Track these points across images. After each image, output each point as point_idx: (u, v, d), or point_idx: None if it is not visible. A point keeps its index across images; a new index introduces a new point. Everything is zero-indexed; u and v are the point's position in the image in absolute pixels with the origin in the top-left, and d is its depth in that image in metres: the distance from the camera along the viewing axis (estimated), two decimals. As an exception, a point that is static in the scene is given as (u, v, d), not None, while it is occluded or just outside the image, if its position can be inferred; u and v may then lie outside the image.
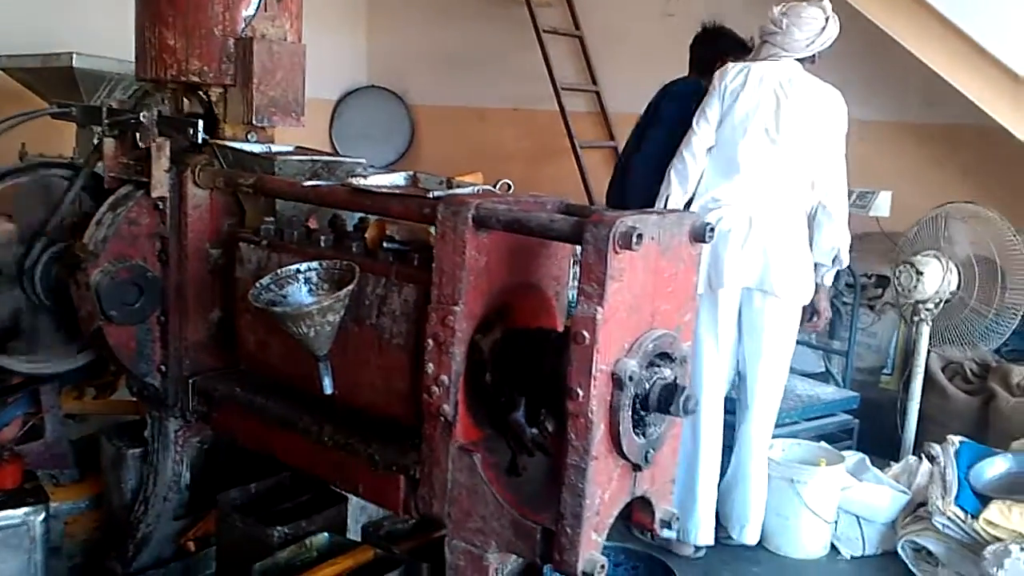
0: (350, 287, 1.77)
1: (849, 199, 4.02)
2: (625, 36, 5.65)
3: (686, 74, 3.83)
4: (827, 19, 3.15)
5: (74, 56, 3.56)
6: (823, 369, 4.53)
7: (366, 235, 2.01)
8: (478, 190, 1.90)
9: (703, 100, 3.25)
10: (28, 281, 2.29)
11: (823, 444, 3.59)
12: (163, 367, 2.27)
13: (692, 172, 3.20)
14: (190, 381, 2.24)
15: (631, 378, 1.48)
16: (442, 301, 1.67)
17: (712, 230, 1.66)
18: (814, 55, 3.22)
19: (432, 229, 1.74)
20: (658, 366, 1.56)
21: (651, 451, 1.55)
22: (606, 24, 5.74)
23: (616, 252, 1.44)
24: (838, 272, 3.45)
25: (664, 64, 5.13)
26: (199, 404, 2.25)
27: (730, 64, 3.26)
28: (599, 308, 1.43)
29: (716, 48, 3.71)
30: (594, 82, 5.81)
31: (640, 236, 1.44)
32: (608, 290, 1.44)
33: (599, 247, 1.44)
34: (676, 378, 1.58)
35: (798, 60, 3.20)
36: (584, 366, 1.44)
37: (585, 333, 1.44)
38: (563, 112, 5.45)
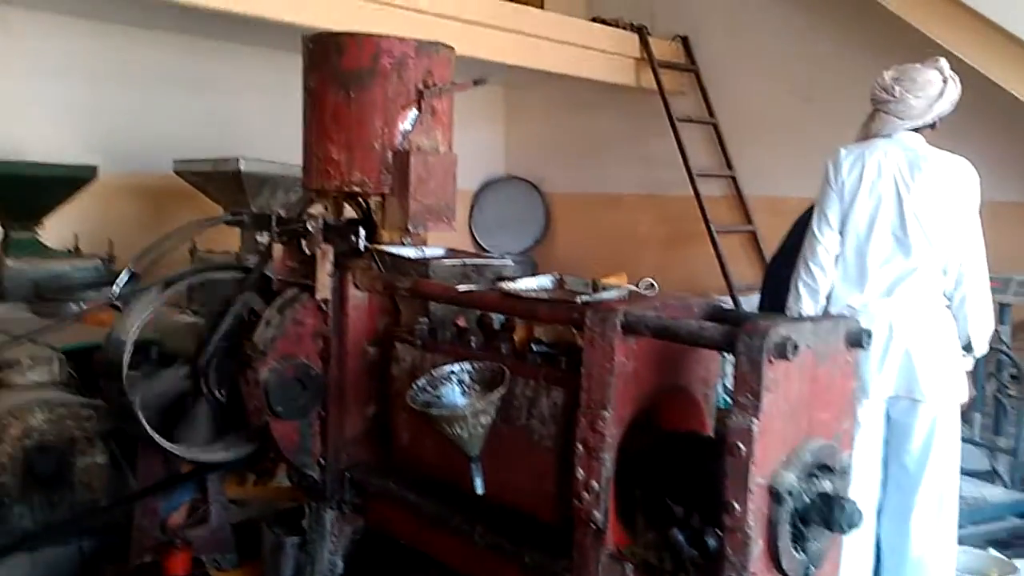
0: (501, 390, 1.83)
1: (1008, 288, 3.78)
2: (761, 120, 5.64)
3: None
4: (945, 80, 2.83)
5: (240, 161, 3.88)
6: (988, 468, 4.22)
7: (514, 336, 2.08)
8: (624, 293, 1.94)
9: (820, 194, 2.99)
10: (202, 374, 2.46)
11: (992, 552, 3.33)
12: (322, 459, 2.38)
13: (822, 284, 2.97)
14: (347, 474, 2.34)
15: (790, 492, 1.45)
16: (591, 406, 1.70)
17: (870, 336, 1.63)
18: (934, 121, 2.89)
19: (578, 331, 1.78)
20: (818, 478, 1.52)
21: (812, 568, 1.51)
22: (740, 109, 5.75)
23: (771, 362, 1.43)
24: (999, 362, 3.21)
25: (802, 147, 5.11)
26: (355, 496, 2.34)
27: (842, 151, 2.95)
28: (754, 419, 1.42)
29: None
30: (729, 167, 5.81)
31: (795, 346, 1.43)
32: (763, 401, 1.43)
33: (753, 357, 1.43)
34: (837, 491, 1.53)
35: (916, 130, 2.88)
36: (740, 479, 1.42)
37: (740, 445, 1.43)
38: (698, 197, 5.45)
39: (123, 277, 2.52)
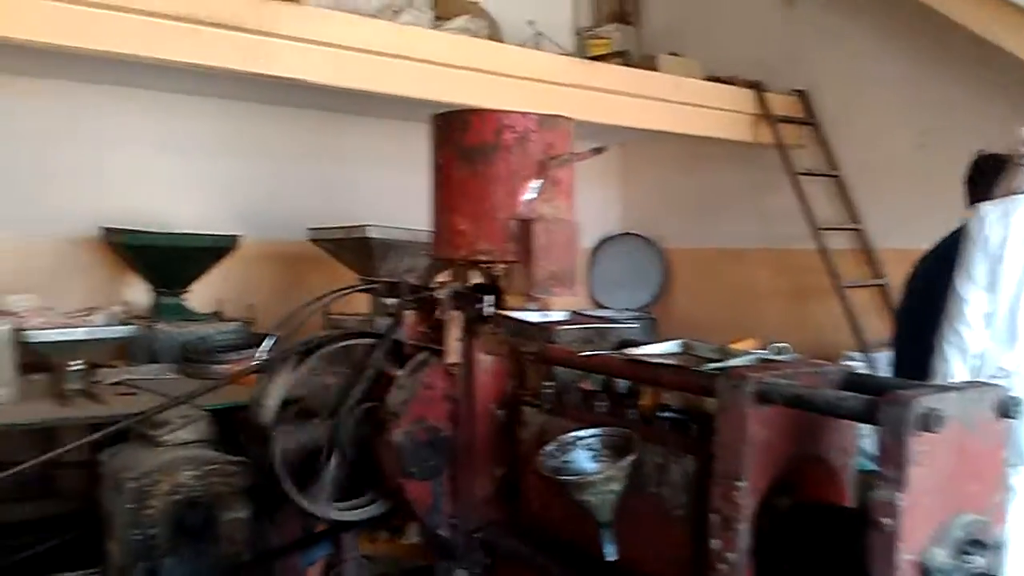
0: (631, 458, 1.83)
1: None
2: (881, 171, 5.49)
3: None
4: None
5: (369, 228, 4.06)
6: None
7: (641, 402, 2.09)
8: (755, 360, 1.92)
9: (963, 253, 2.91)
10: (337, 435, 2.56)
11: None
12: (453, 520, 2.43)
13: (971, 344, 2.85)
14: (476, 534, 2.38)
15: (940, 570, 1.39)
16: (725, 476, 1.68)
17: (1018, 405, 1.56)
18: None
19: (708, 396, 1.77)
20: (969, 554, 1.45)
21: (966, 651, 1.43)
22: (861, 159, 5.61)
23: (916, 435, 1.39)
24: None
25: (921, 196, 4.96)
26: (484, 557, 2.38)
27: (987, 207, 2.91)
28: (900, 494, 1.38)
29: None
30: (855, 219, 5.65)
31: (941, 417, 1.39)
32: (909, 475, 1.39)
33: (897, 430, 1.40)
34: (991, 567, 1.46)
35: None
36: (886, 556, 1.38)
37: (886, 520, 1.39)
38: (824, 252, 5.32)
39: (267, 343, 2.68)
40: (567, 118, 2.58)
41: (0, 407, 3.00)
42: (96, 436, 2.55)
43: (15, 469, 2.36)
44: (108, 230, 4.16)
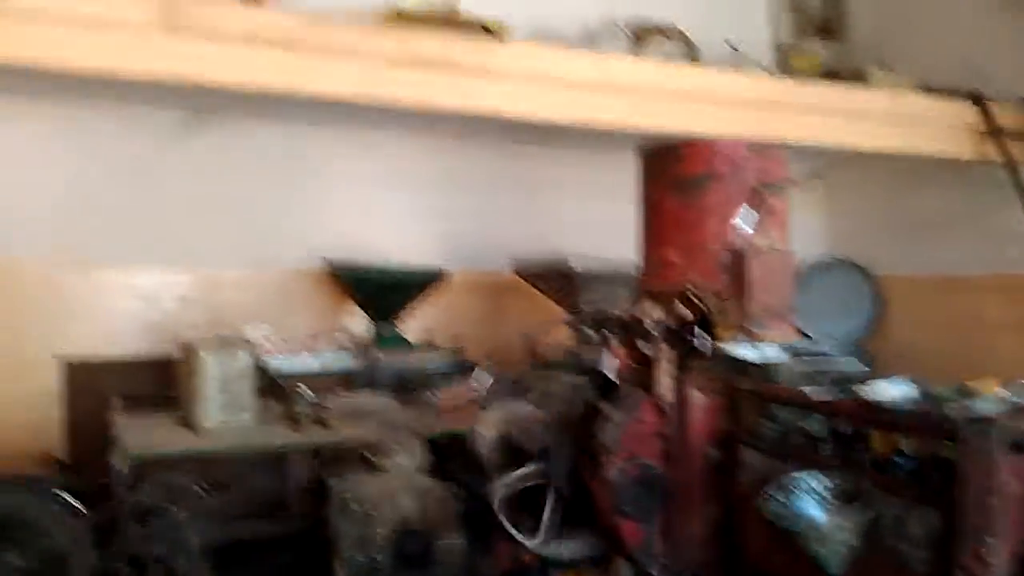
0: (866, 511, 1.73)
1: None
2: None
3: None
4: None
5: (572, 260, 4.11)
6: None
7: (873, 445, 1.97)
8: (1004, 402, 1.77)
9: None
10: (551, 469, 2.60)
11: None
12: (664, 560, 2.39)
13: None
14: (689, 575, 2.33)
15: None
16: (973, 531, 1.55)
17: None
18: None
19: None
20: None
21: None
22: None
23: None
24: None
25: None
26: (697, 600, 2.32)
27: None
28: None
29: None
30: (1101, 239, 5.06)
31: None
32: None
33: None
34: None
35: None
36: None
37: None
38: (1065, 276, 4.81)
39: (481, 375, 2.77)
40: (781, 145, 2.51)
41: (242, 430, 3.27)
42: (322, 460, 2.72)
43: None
44: (330, 262, 4.47)
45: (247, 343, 3.40)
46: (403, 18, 4.05)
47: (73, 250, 4.13)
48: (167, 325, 4.28)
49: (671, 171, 2.46)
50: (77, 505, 2.75)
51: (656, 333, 2.43)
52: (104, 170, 4.19)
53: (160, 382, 4.05)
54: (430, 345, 4.41)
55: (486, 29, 4.12)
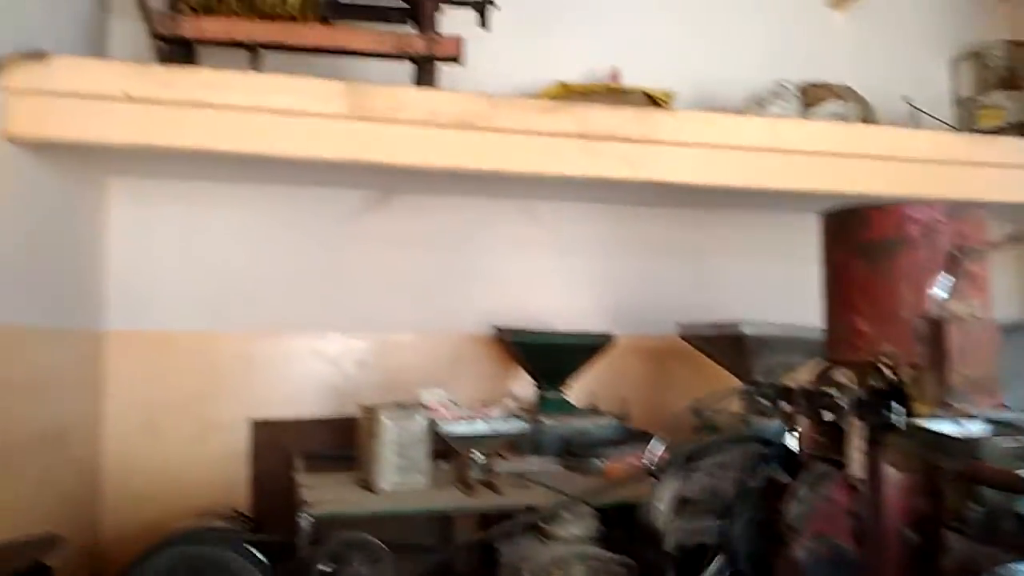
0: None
1: None
2: None
3: None
4: None
5: (744, 325, 4.00)
6: None
7: (1104, 536, 1.78)
8: None
9: None
10: (730, 547, 2.50)
11: None
12: (858, 650, 2.24)
13: None
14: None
15: None
16: None
17: None
18: None
19: None
20: None
21: None
22: None
23: None
24: None
25: None
26: None
27: None
28: None
29: None
30: None
31: None
32: None
33: None
34: None
35: None
36: None
37: None
38: None
39: (655, 444, 2.72)
40: (980, 206, 2.37)
41: (417, 492, 3.35)
42: (496, 526, 2.74)
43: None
44: (498, 328, 4.56)
45: (423, 407, 3.50)
46: (569, 91, 4.17)
47: (265, 319, 4.44)
48: (346, 387, 4.50)
49: (857, 235, 2.36)
50: (263, 558, 2.89)
51: (846, 405, 2.32)
52: (294, 245, 4.51)
53: (338, 441, 4.24)
54: (594, 410, 4.39)
55: (651, 98, 4.17)
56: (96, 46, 4.09)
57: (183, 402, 4.29)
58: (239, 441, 4.33)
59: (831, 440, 2.36)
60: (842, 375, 2.46)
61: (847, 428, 2.29)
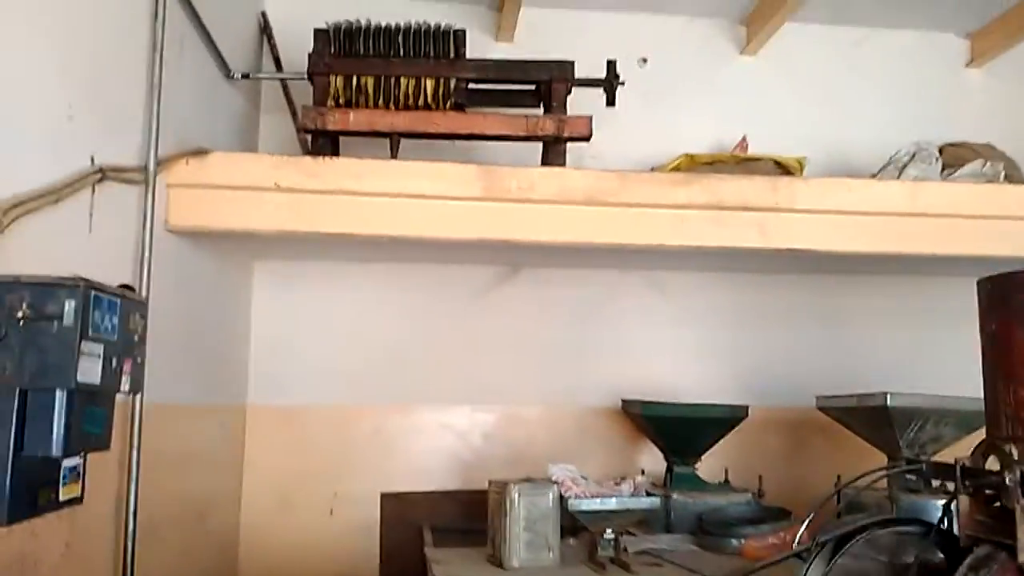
0: None
1: None
2: None
3: None
4: None
5: (888, 396, 3.78)
6: None
7: None
8: None
9: None
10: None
11: None
12: None
13: None
14: None
15: None
16: None
17: None
18: None
19: None
20: None
21: None
22: None
23: None
24: None
25: None
26: None
27: None
28: None
29: None
30: None
31: None
32: None
33: None
34: None
35: None
36: None
37: None
38: None
39: (795, 522, 2.58)
40: None
41: (546, 569, 3.29)
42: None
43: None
44: (626, 401, 4.48)
45: (552, 482, 3.46)
46: (695, 163, 4.14)
47: (397, 393, 4.54)
48: (473, 460, 4.51)
49: (1019, 301, 2.21)
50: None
51: (1012, 484, 2.14)
52: (424, 321, 4.64)
53: (465, 513, 4.24)
54: (727, 485, 4.23)
55: (779, 165, 4.10)
56: (248, 140, 4.39)
57: (316, 475, 4.40)
58: (370, 514, 4.39)
59: (995, 521, 2.18)
60: (1007, 450, 2.28)
61: (1016, 510, 2.11)
